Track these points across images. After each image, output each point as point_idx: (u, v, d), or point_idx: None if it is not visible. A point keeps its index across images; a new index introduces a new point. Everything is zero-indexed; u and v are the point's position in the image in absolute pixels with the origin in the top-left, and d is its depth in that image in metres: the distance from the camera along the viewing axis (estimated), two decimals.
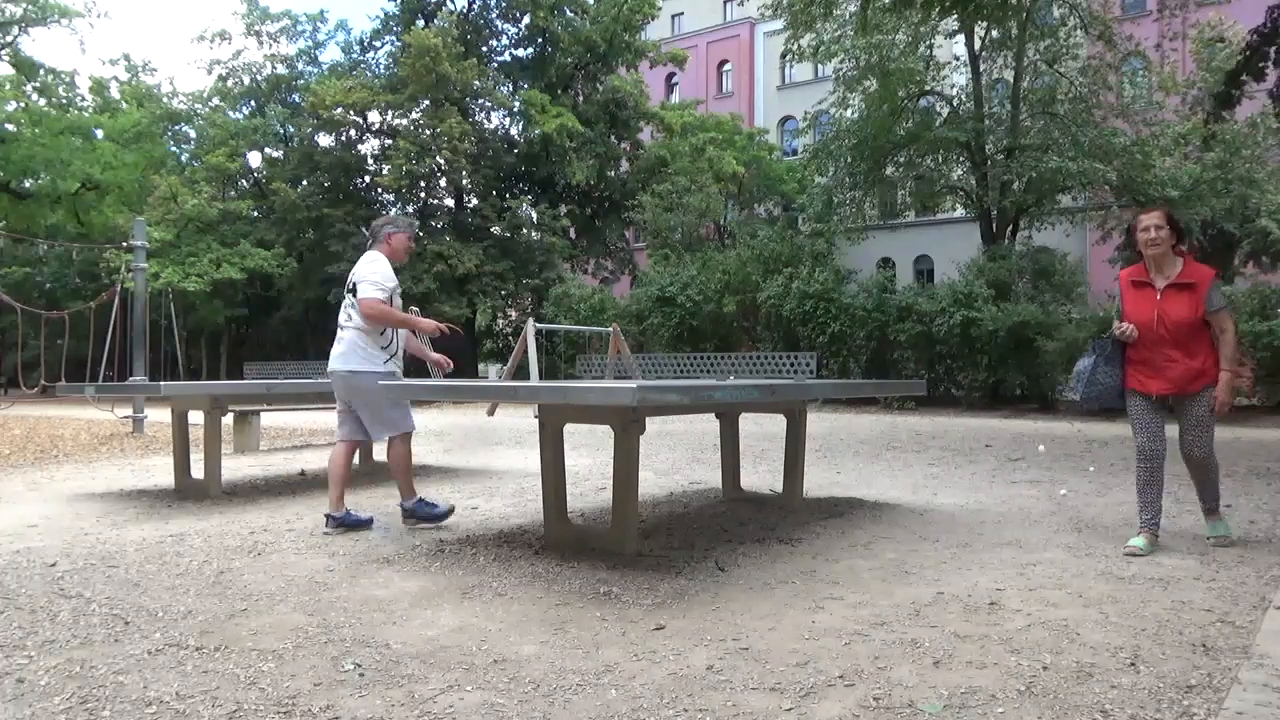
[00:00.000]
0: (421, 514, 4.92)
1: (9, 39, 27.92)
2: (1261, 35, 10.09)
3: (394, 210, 30.28)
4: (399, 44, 28.86)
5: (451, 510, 5.04)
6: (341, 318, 4.95)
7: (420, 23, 29.39)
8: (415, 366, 7.07)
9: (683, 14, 44.37)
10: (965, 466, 7.78)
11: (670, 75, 39.78)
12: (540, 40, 30.76)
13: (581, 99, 30.36)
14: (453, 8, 30.67)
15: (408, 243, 5.08)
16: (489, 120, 30.68)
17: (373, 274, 4.81)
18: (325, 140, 30.62)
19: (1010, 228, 20.50)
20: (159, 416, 12.36)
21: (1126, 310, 4.27)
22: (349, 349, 4.82)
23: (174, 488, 6.43)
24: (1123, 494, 5.99)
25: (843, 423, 13.71)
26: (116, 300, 13.53)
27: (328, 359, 4.96)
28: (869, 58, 19.48)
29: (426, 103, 27.34)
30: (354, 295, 4.83)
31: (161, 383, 6.86)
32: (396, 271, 4.97)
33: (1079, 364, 4.45)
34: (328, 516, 4.83)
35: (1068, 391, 4.28)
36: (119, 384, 8.78)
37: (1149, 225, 4.17)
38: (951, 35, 19.97)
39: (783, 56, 25.72)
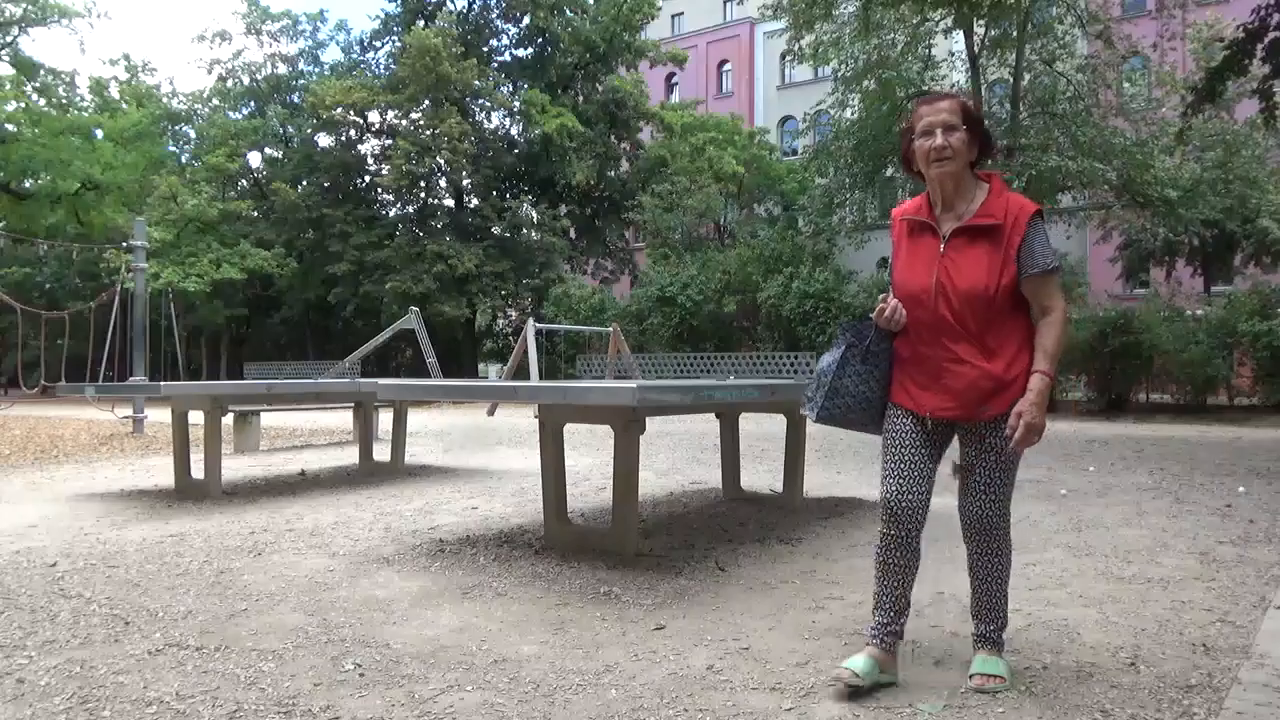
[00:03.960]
0: None
1: (9, 39, 27.90)
2: (1249, 32, 10.10)
3: (394, 210, 30.36)
4: (399, 44, 28.87)
5: None
6: None
7: (420, 23, 29.39)
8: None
9: (683, 14, 44.36)
10: None
11: (670, 75, 39.78)
12: (540, 40, 30.77)
13: (581, 99, 30.37)
14: (453, 8, 30.68)
15: None
16: (489, 120, 30.71)
17: None
18: (325, 140, 30.67)
19: None
20: (159, 416, 12.36)
21: (895, 272, 2.60)
22: None
23: (174, 488, 6.43)
24: (1122, 494, 5.99)
25: None
26: (116, 300, 13.53)
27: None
28: (868, 57, 19.49)
29: (426, 103, 27.34)
30: None
31: (161, 383, 6.86)
32: None
33: (820, 361, 2.70)
34: None
35: (802, 407, 2.72)
36: (119, 384, 8.78)
37: (933, 124, 2.44)
38: (949, 33, 19.97)
39: (783, 57, 25.75)
